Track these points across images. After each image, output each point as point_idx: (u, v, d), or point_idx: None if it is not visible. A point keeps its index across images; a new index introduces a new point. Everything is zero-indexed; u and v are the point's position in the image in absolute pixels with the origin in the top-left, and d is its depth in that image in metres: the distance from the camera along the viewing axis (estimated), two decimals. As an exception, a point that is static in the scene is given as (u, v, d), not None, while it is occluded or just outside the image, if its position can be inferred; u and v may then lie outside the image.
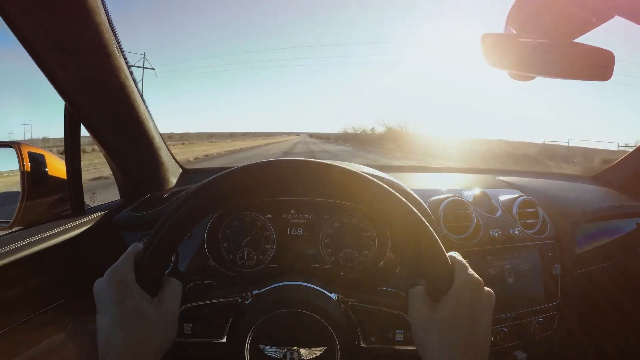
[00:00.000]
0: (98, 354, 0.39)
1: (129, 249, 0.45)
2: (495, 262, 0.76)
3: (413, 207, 0.43)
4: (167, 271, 0.65)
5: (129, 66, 0.66)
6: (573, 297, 0.82)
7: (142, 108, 0.72)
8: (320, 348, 0.49)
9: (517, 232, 0.77)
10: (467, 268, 0.43)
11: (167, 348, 0.43)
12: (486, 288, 0.43)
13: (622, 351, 0.92)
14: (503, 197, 0.84)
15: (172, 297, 0.44)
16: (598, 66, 0.70)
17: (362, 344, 0.51)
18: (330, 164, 0.45)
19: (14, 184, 0.78)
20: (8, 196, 0.82)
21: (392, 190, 0.43)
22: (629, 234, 0.99)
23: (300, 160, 0.45)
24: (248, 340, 0.48)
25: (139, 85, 0.72)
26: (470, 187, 0.85)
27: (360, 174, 0.44)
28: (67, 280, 0.68)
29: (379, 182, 0.44)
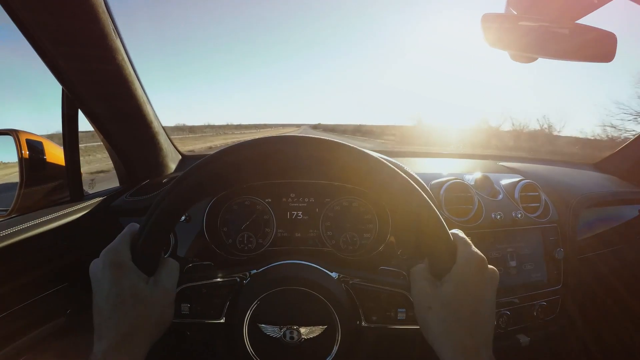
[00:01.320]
0: (94, 341, 0.39)
1: (125, 229, 0.44)
2: (498, 245, 0.75)
3: (415, 185, 0.42)
4: (166, 255, 0.65)
5: (126, 50, 0.66)
6: (576, 281, 0.81)
7: (139, 92, 0.72)
8: (321, 327, 0.48)
9: (519, 216, 0.77)
10: (470, 245, 0.42)
11: (164, 328, 0.43)
12: (490, 266, 0.42)
13: (624, 336, 0.91)
14: (505, 181, 0.84)
15: (169, 277, 0.43)
16: (600, 48, 0.70)
17: (363, 324, 0.50)
18: (332, 141, 0.44)
19: (12, 172, 0.78)
20: (7, 184, 0.82)
21: (394, 167, 0.42)
22: (631, 221, 0.99)
23: (299, 136, 0.44)
24: (246, 320, 0.47)
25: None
26: (471, 171, 0.85)
27: (362, 151, 0.43)
28: (65, 265, 0.68)
29: (380, 159, 0.43)
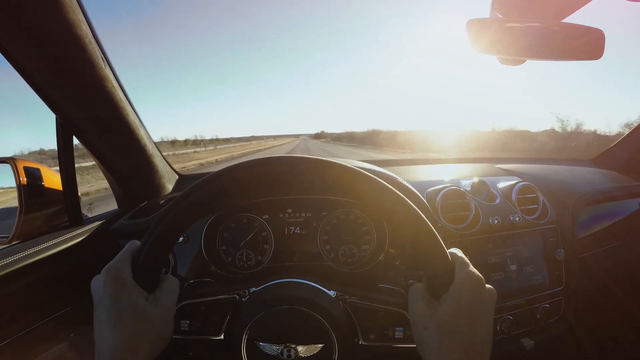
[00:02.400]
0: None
1: (126, 246, 0.45)
2: (497, 250, 0.75)
3: (411, 203, 0.42)
4: (167, 274, 0.65)
5: (116, 76, 0.66)
6: (578, 281, 0.81)
7: (132, 116, 0.72)
8: (318, 345, 0.48)
9: (517, 219, 0.76)
10: (468, 265, 0.42)
11: (164, 345, 0.43)
12: (488, 285, 0.42)
13: (629, 333, 0.91)
14: (501, 185, 0.83)
15: (169, 294, 0.44)
16: (589, 45, 0.70)
17: (361, 342, 0.50)
18: (324, 161, 0.44)
19: (11, 199, 0.79)
20: (7, 211, 0.83)
21: (389, 186, 0.42)
22: (631, 215, 0.98)
23: (296, 157, 0.44)
24: (244, 337, 0.48)
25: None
26: (468, 176, 0.85)
27: (355, 170, 0.43)
28: (67, 290, 0.69)
29: (375, 177, 0.43)
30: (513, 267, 0.75)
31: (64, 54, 0.56)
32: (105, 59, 0.62)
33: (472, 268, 0.42)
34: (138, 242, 0.45)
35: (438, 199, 0.73)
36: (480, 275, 0.41)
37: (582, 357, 0.83)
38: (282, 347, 0.48)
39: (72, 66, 0.58)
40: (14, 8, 0.48)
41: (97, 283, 0.42)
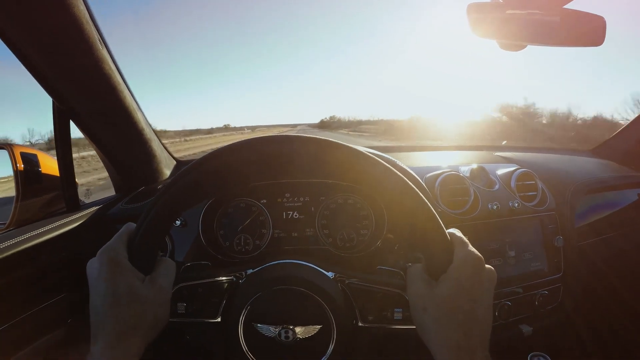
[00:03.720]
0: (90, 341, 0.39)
1: (122, 228, 0.45)
2: (496, 236, 0.75)
3: (411, 183, 0.42)
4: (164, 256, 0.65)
5: (113, 58, 0.66)
6: (576, 269, 0.81)
7: (129, 99, 0.72)
8: (316, 326, 0.48)
9: (516, 205, 0.76)
10: (467, 245, 0.42)
11: (160, 327, 0.43)
12: (487, 266, 0.41)
13: (628, 321, 0.91)
14: (501, 171, 0.83)
15: (165, 276, 0.44)
16: (589, 32, 0.69)
17: (359, 323, 0.50)
18: (325, 140, 0.43)
19: (8, 186, 0.79)
20: (3, 198, 0.82)
21: (390, 167, 0.42)
22: (630, 205, 0.99)
23: (295, 136, 0.44)
24: (242, 319, 0.47)
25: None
26: (467, 163, 0.84)
27: (357, 150, 0.43)
28: (64, 275, 0.68)
29: (376, 158, 0.42)
30: (512, 254, 0.75)
31: (60, 33, 0.55)
32: (103, 40, 0.61)
33: (471, 248, 0.41)
34: (134, 224, 0.44)
35: (437, 184, 0.73)
36: (480, 255, 0.41)
37: (580, 344, 0.84)
38: (280, 328, 0.47)
39: (68, 46, 0.57)
40: None
41: (93, 265, 0.41)
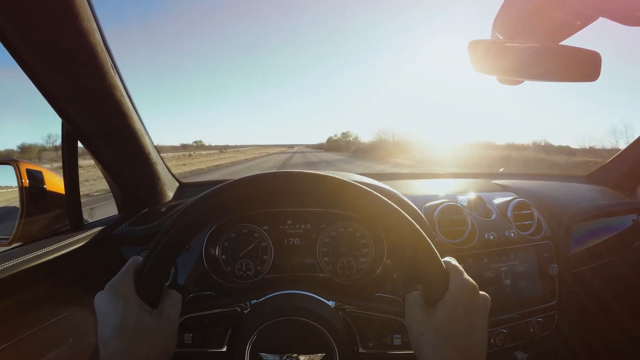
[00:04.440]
0: None
1: (129, 262, 0.46)
2: (492, 265, 0.77)
3: (406, 215, 0.44)
4: (167, 284, 0.66)
5: (123, 83, 0.67)
6: (571, 296, 0.82)
7: (137, 124, 0.73)
8: (319, 354, 0.49)
9: (512, 234, 0.78)
10: (462, 273, 0.44)
11: (168, 358, 0.44)
12: (481, 292, 0.43)
13: (623, 348, 0.92)
14: (497, 200, 0.85)
15: (172, 308, 0.45)
16: (585, 67, 0.72)
17: (360, 350, 0.52)
18: (322, 175, 0.46)
19: (13, 201, 0.79)
20: (7, 213, 0.83)
21: (385, 199, 0.44)
22: (625, 231, 1.00)
23: (293, 172, 0.46)
24: (248, 349, 0.49)
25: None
26: (465, 191, 0.86)
27: (353, 184, 0.45)
28: (66, 295, 0.69)
29: (372, 191, 0.45)
30: (507, 282, 0.77)
31: (76, 61, 0.57)
32: (115, 67, 0.63)
33: (466, 276, 0.44)
34: (140, 258, 0.46)
35: (435, 214, 0.75)
36: (474, 282, 0.43)
37: None
38: (285, 357, 0.49)
39: (83, 74, 0.59)
40: (30, 16, 0.49)
41: (101, 299, 0.43)
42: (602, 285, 0.89)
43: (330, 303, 0.52)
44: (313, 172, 0.46)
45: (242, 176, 0.47)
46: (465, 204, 0.80)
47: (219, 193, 0.45)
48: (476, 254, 0.75)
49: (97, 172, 0.87)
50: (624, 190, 1.12)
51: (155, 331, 0.42)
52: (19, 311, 0.60)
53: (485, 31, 0.72)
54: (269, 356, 0.49)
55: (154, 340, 0.42)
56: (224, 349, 0.51)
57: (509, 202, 0.83)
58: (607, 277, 0.92)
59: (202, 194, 0.46)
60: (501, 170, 1.23)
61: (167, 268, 0.45)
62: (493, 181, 1.02)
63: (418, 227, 0.44)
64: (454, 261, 0.46)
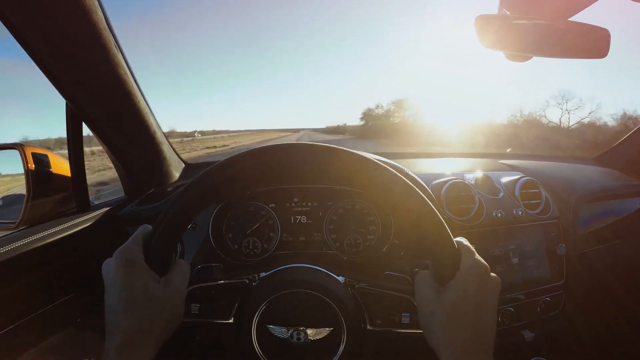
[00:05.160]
0: (105, 340, 0.40)
1: (138, 230, 0.46)
2: (500, 243, 0.76)
3: (419, 191, 0.43)
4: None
5: (127, 63, 0.67)
6: (578, 277, 0.82)
7: (142, 103, 0.73)
8: (327, 329, 0.49)
9: (520, 213, 0.78)
10: (474, 253, 0.43)
11: (174, 328, 0.44)
12: (492, 274, 0.43)
13: (627, 329, 0.92)
14: (505, 179, 0.84)
15: (180, 277, 0.45)
16: (594, 44, 0.71)
17: (368, 327, 0.52)
18: (335, 148, 0.45)
19: (19, 185, 0.79)
20: (14, 197, 0.83)
21: (398, 174, 0.43)
22: (633, 214, 0.99)
23: (305, 144, 0.45)
24: (255, 321, 0.49)
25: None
26: (471, 170, 0.85)
27: (366, 158, 0.44)
28: (74, 275, 0.69)
29: (384, 165, 0.44)
30: (515, 261, 0.76)
31: (79, 37, 0.57)
32: (118, 46, 0.63)
33: (477, 256, 0.43)
34: (149, 227, 0.46)
35: (443, 191, 0.74)
36: (486, 263, 0.42)
37: (581, 350, 0.85)
38: (292, 329, 0.49)
39: (86, 50, 0.59)
40: None
41: (109, 266, 0.42)
42: (609, 267, 0.89)
43: (340, 278, 0.52)
44: (323, 144, 0.46)
45: None
46: (473, 182, 0.80)
47: (230, 164, 0.45)
48: (484, 231, 0.75)
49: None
50: (632, 173, 1.11)
51: (162, 300, 0.42)
52: (26, 292, 0.60)
53: (491, 5, 0.71)
54: (276, 329, 0.49)
55: (161, 308, 0.42)
56: (231, 320, 0.51)
57: (516, 180, 0.82)
58: (615, 259, 0.92)
59: (214, 165, 0.45)
60: (508, 150, 1.22)
61: (176, 236, 0.45)
62: (500, 161, 1.02)
63: (431, 204, 0.43)
64: (465, 241, 0.45)
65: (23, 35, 0.54)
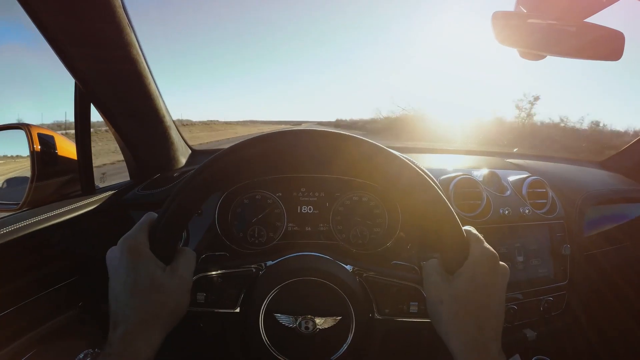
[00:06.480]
0: (109, 329, 0.39)
1: (143, 217, 0.45)
2: (506, 241, 0.76)
3: (429, 179, 0.43)
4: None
5: (139, 43, 0.66)
6: (582, 278, 0.82)
7: (152, 86, 0.72)
8: (336, 317, 0.49)
9: (526, 211, 0.77)
10: (483, 242, 0.43)
11: (180, 316, 0.43)
12: (501, 262, 0.43)
13: (629, 332, 0.92)
14: (512, 177, 0.84)
15: (186, 266, 0.44)
16: (608, 46, 0.70)
17: (376, 316, 0.51)
18: (344, 134, 0.44)
19: (24, 166, 0.78)
20: (18, 178, 0.82)
21: (408, 161, 0.43)
22: (636, 219, 1.00)
23: (315, 130, 0.44)
24: (262, 310, 0.48)
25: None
26: (478, 167, 0.85)
27: (375, 144, 0.44)
28: (77, 258, 0.69)
29: (394, 152, 0.43)
30: (520, 259, 0.76)
31: (91, 14, 0.56)
32: (131, 25, 0.62)
33: (486, 245, 0.43)
34: (155, 214, 0.44)
35: (451, 186, 0.74)
36: (495, 251, 0.42)
37: (583, 350, 0.85)
38: (300, 318, 0.48)
39: (98, 28, 0.58)
40: None
41: (113, 254, 0.41)
42: (613, 270, 0.89)
43: (348, 267, 0.52)
44: (334, 131, 0.45)
45: None
46: (481, 179, 0.80)
47: (237, 149, 0.44)
48: (490, 228, 0.75)
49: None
50: (637, 177, 1.11)
51: (168, 288, 0.41)
52: (28, 273, 0.60)
53: (508, 3, 0.71)
54: (284, 317, 0.48)
55: (166, 297, 0.41)
56: (237, 310, 0.51)
57: (524, 179, 0.82)
58: (619, 261, 0.92)
59: (222, 150, 0.44)
60: (515, 150, 1.22)
61: (182, 224, 0.44)
62: (507, 160, 1.02)
63: (441, 193, 0.42)
64: (474, 230, 0.45)
65: (35, 14, 0.53)
